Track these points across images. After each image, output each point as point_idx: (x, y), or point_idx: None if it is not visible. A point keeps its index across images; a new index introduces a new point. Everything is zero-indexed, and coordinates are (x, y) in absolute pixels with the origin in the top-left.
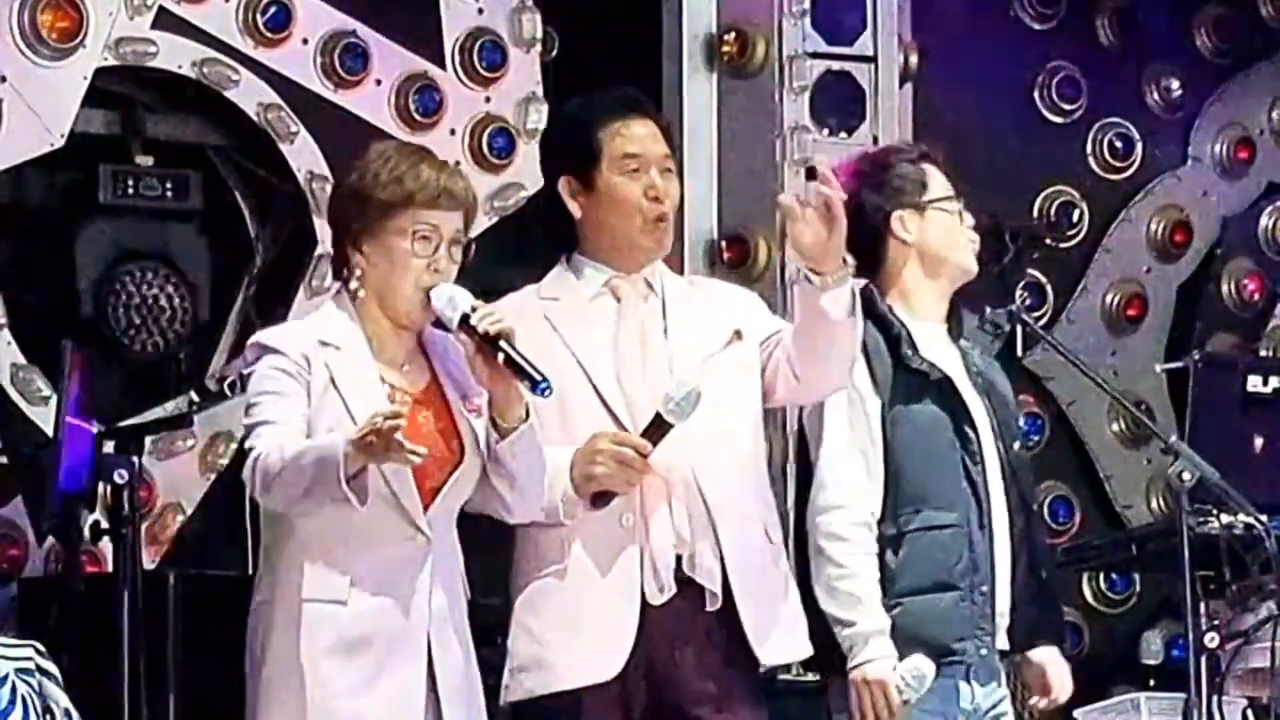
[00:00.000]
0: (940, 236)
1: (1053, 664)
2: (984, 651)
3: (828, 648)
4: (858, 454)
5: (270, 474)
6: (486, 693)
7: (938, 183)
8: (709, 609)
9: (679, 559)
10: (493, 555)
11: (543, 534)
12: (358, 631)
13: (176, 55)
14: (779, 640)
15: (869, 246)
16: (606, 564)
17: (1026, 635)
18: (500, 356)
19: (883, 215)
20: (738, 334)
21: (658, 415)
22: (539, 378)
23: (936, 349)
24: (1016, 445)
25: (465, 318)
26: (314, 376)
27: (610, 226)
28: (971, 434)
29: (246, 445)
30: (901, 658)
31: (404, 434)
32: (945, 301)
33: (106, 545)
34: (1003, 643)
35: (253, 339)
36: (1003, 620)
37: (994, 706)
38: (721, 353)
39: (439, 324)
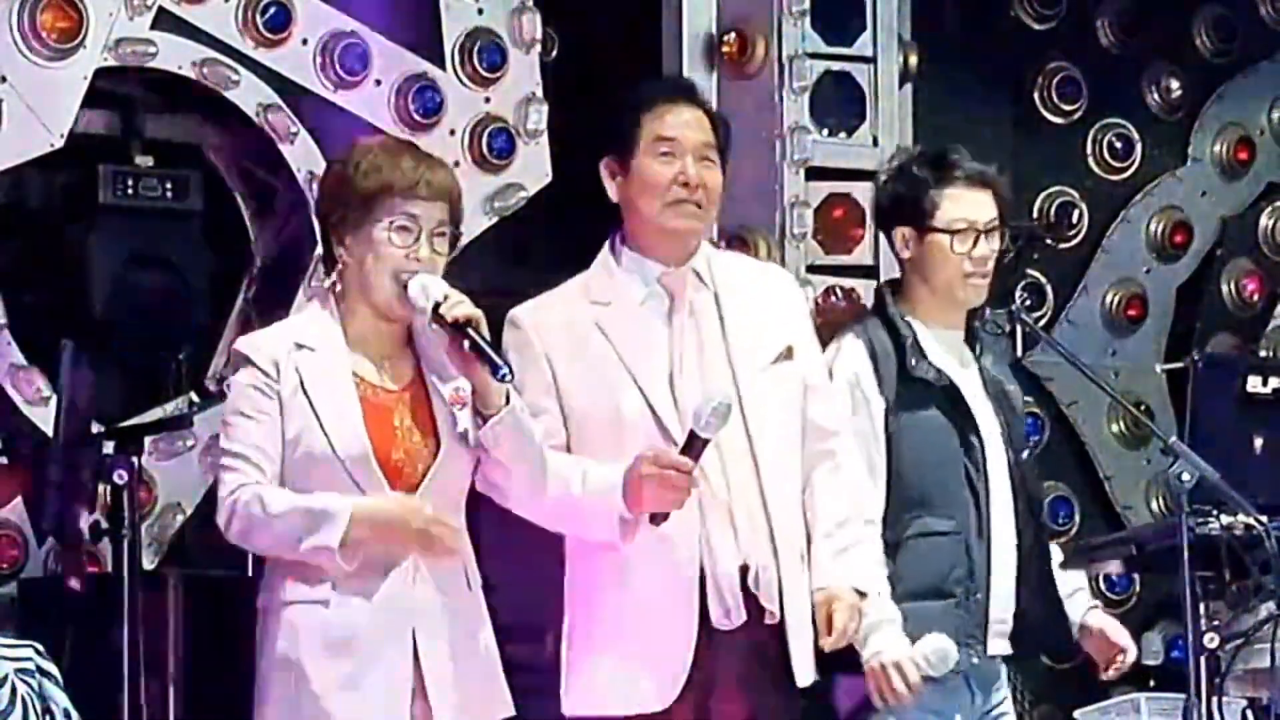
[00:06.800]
0: (935, 264)
1: (1108, 626)
2: (975, 660)
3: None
4: (863, 457)
5: (253, 526)
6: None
7: (954, 208)
8: (769, 624)
9: (744, 577)
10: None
11: (601, 559)
12: (340, 632)
13: (176, 55)
14: (811, 661)
15: (892, 246)
16: (666, 596)
17: (1037, 642)
18: (466, 343)
19: (886, 226)
20: (789, 350)
21: (691, 432)
22: (499, 364)
23: (946, 355)
24: (1025, 454)
25: (436, 306)
26: (283, 383)
27: (639, 209)
28: (976, 442)
29: (221, 481)
30: None
31: (370, 432)
32: (957, 315)
33: (106, 545)
34: (1004, 647)
35: (234, 345)
36: (1004, 626)
37: (994, 709)
38: (774, 365)
39: None
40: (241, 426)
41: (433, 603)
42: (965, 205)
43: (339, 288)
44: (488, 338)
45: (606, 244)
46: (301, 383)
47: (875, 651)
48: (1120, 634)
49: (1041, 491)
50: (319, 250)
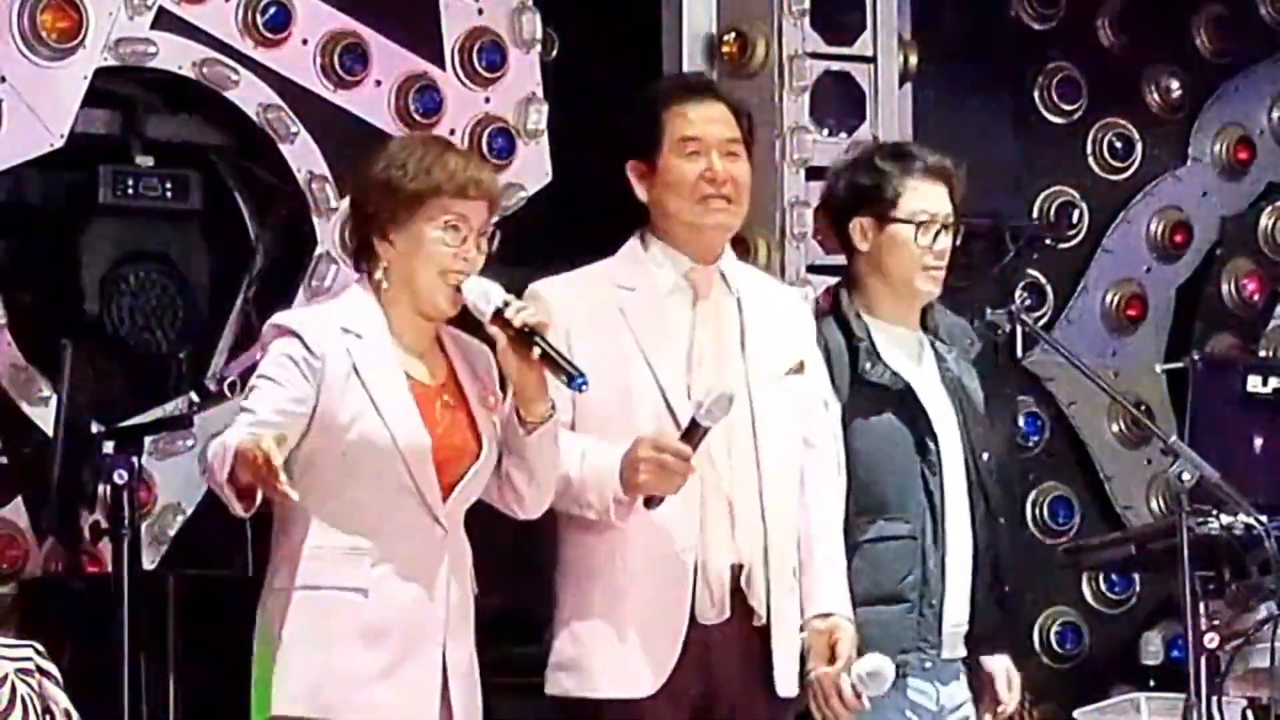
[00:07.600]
0: (894, 255)
1: (1002, 672)
2: (928, 665)
3: None
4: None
5: (206, 468)
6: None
7: (916, 199)
8: (755, 625)
9: (735, 576)
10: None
11: (595, 540)
12: (379, 621)
13: (176, 55)
14: (795, 673)
15: (842, 241)
16: (658, 582)
17: (983, 643)
18: (536, 351)
19: (843, 217)
20: (801, 365)
21: (693, 420)
22: (575, 373)
23: (902, 355)
24: (986, 456)
25: (499, 311)
26: (332, 365)
27: (669, 208)
28: (932, 445)
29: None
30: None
31: (426, 423)
32: (913, 310)
33: (106, 545)
34: (960, 650)
35: (271, 319)
36: (960, 629)
37: (958, 707)
38: (787, 377)
39: (454, 319)
40: (264, 389)
41: (459, 606)
42: (926, 197)
43: (384, 282)
44: (555, 345)
45: (635, 235)
46: (355, 368)
47: (813, 667)
48: (1013, 683)
49: (1004, 494)
50: (319, 250)
